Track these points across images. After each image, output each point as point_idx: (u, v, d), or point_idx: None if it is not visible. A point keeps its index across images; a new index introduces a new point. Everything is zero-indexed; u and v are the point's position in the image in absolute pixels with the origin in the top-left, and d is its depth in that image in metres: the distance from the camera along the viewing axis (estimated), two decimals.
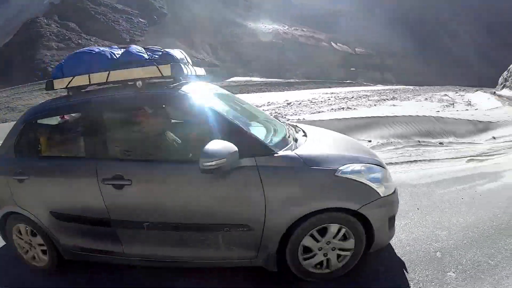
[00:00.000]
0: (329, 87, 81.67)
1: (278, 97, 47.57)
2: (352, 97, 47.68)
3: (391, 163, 10.30)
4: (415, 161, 10.76)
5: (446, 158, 11.23)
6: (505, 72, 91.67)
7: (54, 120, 5.03)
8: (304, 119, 21.56)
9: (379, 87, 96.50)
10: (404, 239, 5.42)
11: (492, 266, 4.73)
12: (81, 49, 4.85)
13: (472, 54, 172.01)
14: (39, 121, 4.83)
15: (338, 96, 48.64)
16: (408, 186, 8.04)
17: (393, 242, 5.17)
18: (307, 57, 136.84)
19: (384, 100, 40.62)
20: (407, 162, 10.65)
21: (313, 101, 40.79)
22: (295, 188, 3.97)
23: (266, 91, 69.88)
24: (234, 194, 4.05)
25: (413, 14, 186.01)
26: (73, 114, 5.01)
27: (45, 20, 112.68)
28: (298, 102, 38.78)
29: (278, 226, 3.96)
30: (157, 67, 4.14)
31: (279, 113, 26.81)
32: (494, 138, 15.79)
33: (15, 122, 4.82)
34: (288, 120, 21.18)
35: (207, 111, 4.15)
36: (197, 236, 4.24)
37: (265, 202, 3.87)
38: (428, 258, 4.89)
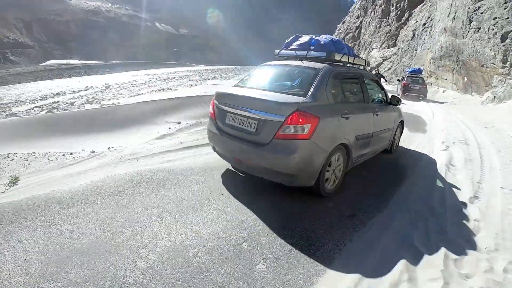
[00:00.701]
0: (152, 68, 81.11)
1: (97, 81, 45.25)
2: (174, 77, 48.85)
3: (197, 145, 10.04)
4: None
5: None
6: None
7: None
8: (119, 103, 21.68)
9: (202, 67, 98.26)
10: (205, 234, 4.87)
11: (305, 247, 4.73)
12: (335, 37, 7.81)
13: (290, 36, 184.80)
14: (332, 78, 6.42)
15: (159, 78, 49.16)
16: (213, 170, 7.51)
17: (195, 240, 4.67)
18: (130, 38, 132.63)
19: (205, 79, 43.05)
20: None
21: (133, 83, 40.78)
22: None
23: (85, 75, 66.01)
24: (392, 116, 9.27)
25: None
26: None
27: None
28: (118, 85, 38.26)
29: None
30: (364, 60, 8.45)
31: (97, 98, 26.38)
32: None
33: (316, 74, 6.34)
34: (103, 105, 21.11)
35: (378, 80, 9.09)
36: (378, 139, 8.29)
37: (393, 121, 9.42)
38: (234, 252, 4.50)
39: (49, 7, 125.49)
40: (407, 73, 33.58)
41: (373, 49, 69.79)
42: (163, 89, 31.35)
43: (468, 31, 30.34)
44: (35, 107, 24.75)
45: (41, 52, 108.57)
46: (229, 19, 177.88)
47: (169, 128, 14.74)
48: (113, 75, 62.80)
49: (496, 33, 26.12)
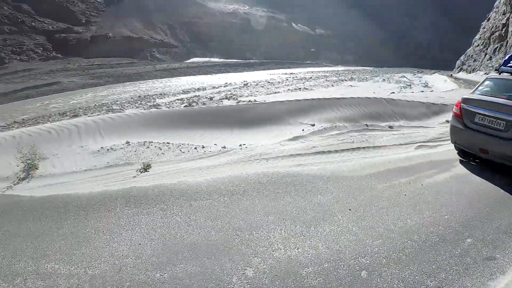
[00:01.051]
0: (289, 68, 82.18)
1: (236, 78, 47.38)
2: (311, 77, 47.94)
3: (329, 151, 9.28)
4: (358, 148, 9.60)
5: (394, 145, 10.19)
6: (462, 56, 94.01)
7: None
8: (255, 100, 21.14)
9: (339, 67, 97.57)
10: (324, 253, 4.27)
11: None
12: None
13: (431, 38, 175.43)
14: None
15: (296, 77, 48.76)
16: (344, 179, 6.61)
17: (311, 258, 4.14)
18: (267, 38, 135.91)
19: (342, 80, 41.09)
20: (348, 149, 9.45)
21: (271, 81, 40.85)
22: None
23: (225, 72, 69.51)
24: None
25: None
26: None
27: None
28: (256, 83, 38.66)
29: None
30: None
31: (234, 94, 26.72)
32: (447, 121, 13.76)
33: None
34: (239, 102, 21.00)
35: None
36: None
37: None
38: (350, 279, 3.85)
39: (191, 11, 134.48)
40: None
41: None
42: (299, 89, 30.68)
43: None
44: (177, 99, 26.17)
45: (184, 51, 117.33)
46: (366, 19, 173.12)
47: (303, 130, 13.86)
48: (251, 73, 64.79)
49: None
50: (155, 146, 11.32)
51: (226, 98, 23.55)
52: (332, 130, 13.38)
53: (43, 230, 5.15)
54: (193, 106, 20.39)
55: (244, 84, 37.68)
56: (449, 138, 8.51)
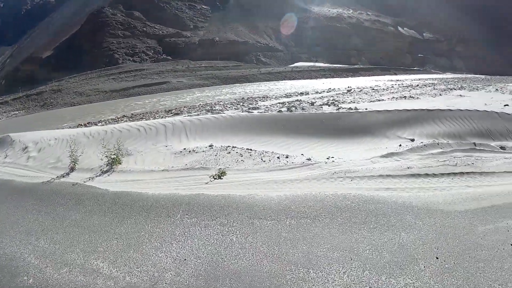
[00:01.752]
0: (395, 74, 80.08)
1: (340, 83, 47.42)
2: (417, 85, 45.88)
3: (426, 174, 7.93)
4: (461, 173, 8.03)
5: (505, 172, 8.33)
6: None
7: None
8: (356, 108, 19.87)
9: (448, 75, 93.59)
10: None
11: None
12: None
13: None
14: None
15: (402, 84, 47.08)
16: (438, 214, 5.58)
17: None
18: (373, 42, 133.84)
19: (451, 89, 38.78)
20: (449, 174, 7.98)
21: (375, 88, 39.69)
22: None
23: (329, 77, 69.47)
24: None
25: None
26: None
27: (110, 10, 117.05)
28: (360, 89, 37.75)
29: None
30: None
31: (337, 100, 26.01)
32: None
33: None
34: (340, 109, 20.13)
35: None
36: None
37: None
38: None
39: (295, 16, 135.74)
40: None
41: None
42: (404, 97, 29.36)
43: None
44: (278, 103, 26.27)
45: (289, 55, 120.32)
46: (479, 23, 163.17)
47: (400, 146, 12.14)
48: (355, 78, 64.67)
49: None
50: (237, 152, 10.91)
51: (327, 104, 23.08)
52: (433, 147, 11.45)
53: (104, 225, 5.59)
54: (291, 110, 19.92)
55: (347, 90, 37.05)
56: None
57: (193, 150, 10.97)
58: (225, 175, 8.07)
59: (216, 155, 10.36)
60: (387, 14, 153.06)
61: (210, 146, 11.53)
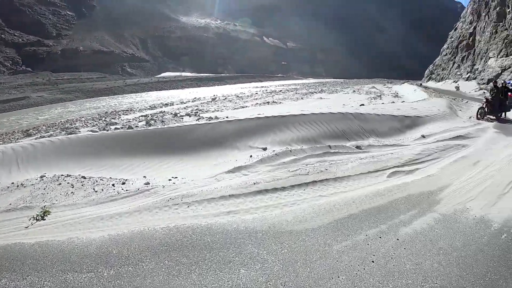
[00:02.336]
0: (260, 81, 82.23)
1: (207, 92, 46.99)
2: (280, 90, 47.41)
3: (275, 189, 7.32)
4: (314, 182, 7.71)
5: (361, 174, 8.41)
6: (431, 66, 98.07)
7: None
8: (216, 117, 19.39)
9: (310, 80, 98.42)
10: None
11: None
12: None
13: (400, 48, 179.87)
14: None
15: (266, 90, 48.42)
16: (286, 237, 5.04)
17: None
18: (239, 52, 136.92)
19: (312, 93, 40.66)
20: (300, 185, 7.58)
21: (240, 95, 40.16)
22: None
23: (196, 86, 68.91)
24: None
25: (343, 10, 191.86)
26: None
27: None
28: (224, 97, 37.82)
29: None
30: None
31: (200, 110, 25.85)
32: (423, 136, 13.70)
33: None
34: (200, 118, 19.65)
35: None
36: None
37: None
38: None
39: (162, 25, 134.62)
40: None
41: (490, 58, 62.47)
42: (267, 102, 29.84)
43: None
44: (141, 115, 25.08)
45: (156, 66, 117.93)
46: (336, 32, 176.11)
47: (250, 157, 10.81)
48: (222, 87, 64.62)
49: None
50: (68, 182, 9.03)
51: (188, 115, 22.28)
52: (286, 155, 10.61)
53: None
54: (150, 124, 18.89)
55: (212, 99, 36.73)
56: (428, 158, 9.57)
57: (22, 184, 8.91)
58: (49, 214, 6.60)
59: (45, 189, 8.56)
60: (254, 25, 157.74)
61: (41, 177, 9.52)
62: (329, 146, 11.68)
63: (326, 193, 6.97)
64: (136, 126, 17.82)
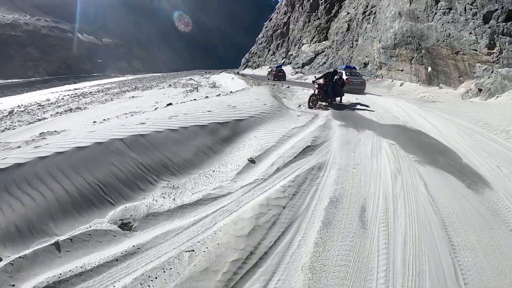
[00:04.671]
0: (75, 83, 78.00)
1: (8, 103, 39.46)
2: (91, 92, 45.33)
3: None
4: None
5: None
6: (247, 54, 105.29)
7: None
8: None
9: (129, 77, 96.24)
10: None
11: None
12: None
13: (217, 40, 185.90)
14: None
15: (77, 93, 45.32)
16: None
17: None
18: (51, 51, 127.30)
19: (124, 92, 39.50)
20: None
21: (43, 104, 35.62)
22: None
23: (1, 96, 59.73)
24: None
25: (161, 3, 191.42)
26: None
27: None
28: (24, 108, 32.92)
29: None
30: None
31: None
32: (252, 162, 8.80)
33: None
34: None
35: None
36: None
37: None
38: None
39: None
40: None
41: (303, 44, 69.69)
42: (71, 109, 27.13)
43: (435, 13, 26.56)
44: None
45: None
46: (154, 26, 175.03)
47: None
48: (30, 93, 58.47)
49: (475, 13, 22.12)
50: None
51: None
52: None
53: None
54: None
55: (9, 112, 30.55)
56: (273, 239, 5.36)
57: None
58: None
59: None
60: (67, 21, 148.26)
61: None
62: (55, 244, 5.10)
63: None
64: None
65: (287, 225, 5.98)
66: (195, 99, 21.17)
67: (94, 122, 16.04)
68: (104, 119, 16.46)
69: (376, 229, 5.86)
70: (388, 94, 29.06)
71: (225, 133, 11.12)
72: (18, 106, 35.66)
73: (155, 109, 18.58)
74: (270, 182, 7.65)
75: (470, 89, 22.24)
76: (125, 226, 5.86)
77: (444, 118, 15.43)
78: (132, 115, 15.38)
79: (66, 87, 64.74)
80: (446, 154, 10.25)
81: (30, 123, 23.11)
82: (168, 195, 7.05)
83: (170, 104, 20.11)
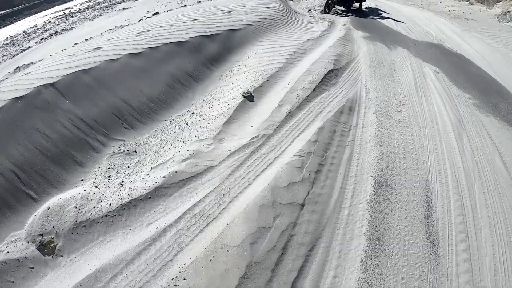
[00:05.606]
0: (64, 2, 74.63)
1: None
2: (79, 10, 41.91)
3: None
4: None
5: None
6: None
7: None
8: None
9: None
10: None
11: None
12: None
13: None
14: None
15: (65, 13, 41.16)
16: None
17: None
18: None
19: (115, 4, 36.34)
20: None
21: (29, 31, 31.79)
22: None
23: None
24: None
25: None
26: None
27: None
28: (8, 41, 29.20)
29: None
30: None
31: None
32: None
33: None
34: None
35: None
36: None
37: None
38: None
39: None
40: None
41: None
42: (56, 32, 25.31)
43: None
44: None
45: None
46: None
47: None
48: (19, 22, 55.51)
49: None
50: None
51: None
52: None
53: None
54: None
55: None
56: None
57: None
58: None
59: None
60: None
61: None
62: None
63: None
64: None
65: (305, 254, 3.36)
66: (185, 5, 17.37)
67: (76, 43, 13.24)
68: (86, 39, 13.49)
69: (451, 253, 3.37)
70: (410, 3, 24.51)
71: (213, 50, 8.27)
72: (6, 38, 33.19)
73: (139, 21, 15.21)
74: (277, 143, 4.93)
75: (509, 12, 17.49)
76: (45, 247, 3.59)
77: (485, 43, 12.28)
78: (104, 35, 12.34)
79: (56, 8, 61.69)
80: (505, 97, 7.44)
81: (14, 55, 21.11)
82: (117, 172, 4.57)
83: (157, 13, 16.50)
